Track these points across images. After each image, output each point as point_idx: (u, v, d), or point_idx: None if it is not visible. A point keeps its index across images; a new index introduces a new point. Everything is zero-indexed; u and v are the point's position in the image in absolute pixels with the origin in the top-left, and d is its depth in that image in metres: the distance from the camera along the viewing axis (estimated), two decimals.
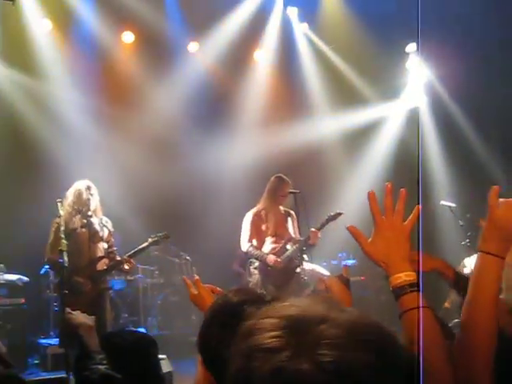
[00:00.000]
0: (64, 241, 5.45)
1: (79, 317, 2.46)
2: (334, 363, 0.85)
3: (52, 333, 7.52)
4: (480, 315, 1.59)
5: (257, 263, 6.79)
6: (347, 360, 0.86)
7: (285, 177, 6.77)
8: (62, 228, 5.56)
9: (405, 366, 0.96)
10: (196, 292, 2.50)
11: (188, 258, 9.14)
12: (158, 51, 9.29)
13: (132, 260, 6.14)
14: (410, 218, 1.67)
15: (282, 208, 6.86)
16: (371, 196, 1.68)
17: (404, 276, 1.61)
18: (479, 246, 1.67)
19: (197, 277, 2.60)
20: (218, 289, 2.55)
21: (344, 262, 9.70)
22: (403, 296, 1.60)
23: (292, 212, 6.63)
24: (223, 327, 1.73)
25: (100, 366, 2.03)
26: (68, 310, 2.46)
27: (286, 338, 0.88)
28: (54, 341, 7.15)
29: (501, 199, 1.69)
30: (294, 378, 0.84)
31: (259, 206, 6.86)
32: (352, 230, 1.68)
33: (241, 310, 1.68)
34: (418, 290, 1.60)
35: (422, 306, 1.57)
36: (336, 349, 0.87)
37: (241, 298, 1.78)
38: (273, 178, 6.84)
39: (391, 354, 0.92)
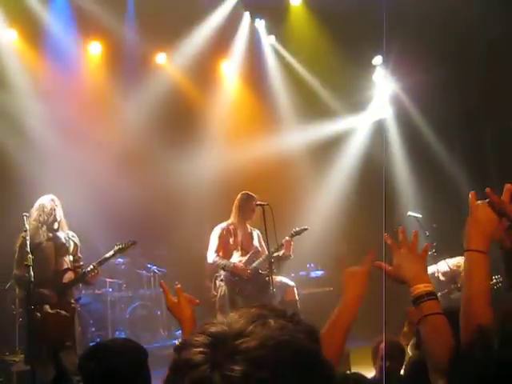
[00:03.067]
0: (30, 255, 5.37)
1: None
2: (243, 377, 0.94)
3: (18, 349, 7.35)
4: (478, 306, 1.82)
5: (222, 276, 6.78)
6: (255, 374, 0.94)
7: (251, 193, 6.82)
8: (28, 242, 5.48)
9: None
10: (175, 300, 2.43)
11: (156, 270, 9.06)
12: (126, 62, 9.23)
13: (98, 269, 6.07)
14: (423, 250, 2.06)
15: (248, 226, 6.91)
16: (387, 238, 2.07)
17: (423, 287, 1.90)
18: (467, 245, 1.92)
19: (179, 285, 2.50)
20: (197, 301, 2.49)
21: (313, 273, 9.75)
22: (422, 303, 1.88)
23: (258, 231, 6.76)
24: None
25: None
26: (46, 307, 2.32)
27: (208, 353, 0.98)
28: (20, 358, 6.99)
29: (479, 201, 1.96)
30: None
31: (228, 222, 6.90)
32: (377, 265, 2.07)
33: None
34: (436, 299, 1.90)
35: (438, 313, 1.86)
36: (247, 363, 0.95)
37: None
38: (240, 195, 6.89)
39: (306, 370, 0.99)
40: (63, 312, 2.14)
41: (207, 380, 0.95)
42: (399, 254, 2.01)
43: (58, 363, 2.07)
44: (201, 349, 0.99)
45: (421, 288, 1.90)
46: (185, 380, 0.98)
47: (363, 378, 2.70)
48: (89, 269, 6.04)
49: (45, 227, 6.03)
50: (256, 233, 6.92)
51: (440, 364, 1.76)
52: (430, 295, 1.89)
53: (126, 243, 6.28)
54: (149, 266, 9.02)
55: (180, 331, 2.54)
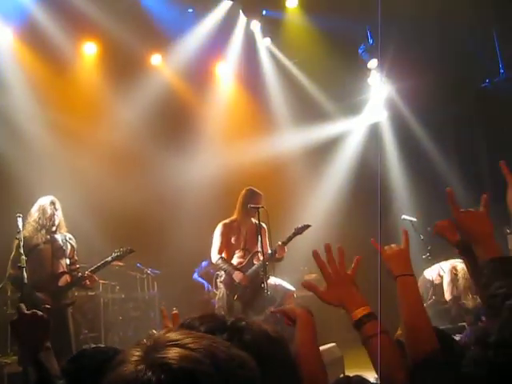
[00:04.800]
0: (23, 257, 5.34)
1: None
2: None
3: (10, 351, 7.31)
4: (420, 327, 1.93)
5: (223, 277, 6.76)
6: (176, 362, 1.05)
7: (256, 189, 6.77)
8: (22, 243, 5.44)
9: None
10: (171, 326, 2.44)
11: (149, 272, 9.04)
12: (121, 63, 9.21)
13: (94, 276, 6.06)
14: (352, 267, 2.07)
15: (254, 220, 6.84)
16: (315, 254, 2.06)
17: (361, 310, 1.94)
18: (393, 273, 2.05)
19: (175, 311, 2.52)
20: None
21: (306, 276, 9.73)
22: (363, 326, 1.91)
23: (264, 225, 6.60)
24: None
25: None
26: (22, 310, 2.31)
27: (140, 355, 1.08)
28: (11, 359, 6.96)
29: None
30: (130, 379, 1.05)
31: (232, 218, 6.84)
32: (306, 285, 2.06)
33: None
34: (376, 318, 1.92)
35: (381, 332, 1.89)
36: (160, 370, 1.04)
37: (208, 326, 1.73)
38: (244, 191, 6.83)
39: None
40: (39, 312, 2.13)
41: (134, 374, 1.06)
42: (328, 277, 2.02)
43: (38, 365, 2.04)
44: (137, 352, 1.10)
45: (360, 312, 1.93)
46: (116, 373, 1.10)
47: (365, 381, 2.67)
48: (85, 274, 6.01)
49: (44, 230, 5.99)
50: (262, 228, 6.69)
51: (393, 381, 1.83)
52: (369, 316, 1.92)
53: (123, 250, 6.25)
54: (143, 267, 8.99)
55: None
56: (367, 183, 8.72)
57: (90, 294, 8.25)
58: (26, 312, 2.19)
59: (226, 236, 6.80)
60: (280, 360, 1.61)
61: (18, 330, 2.20)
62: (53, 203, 6.06)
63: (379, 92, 10.25)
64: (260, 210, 6.41)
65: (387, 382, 1.84)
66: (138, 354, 1.09)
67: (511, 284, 1.76)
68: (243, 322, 1.87)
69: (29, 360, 2.10)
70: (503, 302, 1.66)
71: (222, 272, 6.80)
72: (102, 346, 2.68)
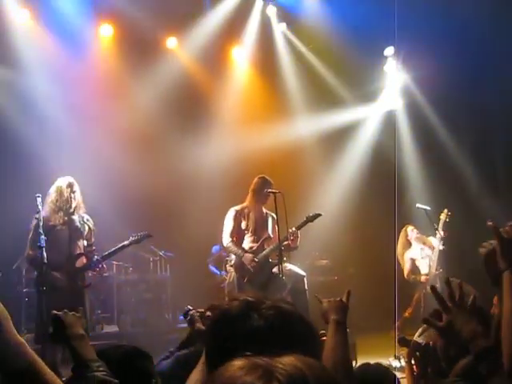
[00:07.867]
0: (43, 236, 5.39)
1: (68, 317, 2.37)
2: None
3: (24, 329, 7.42)
4: None
5: (233, 261, 6.81)
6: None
7: (268, 177, 6.81)
8: (41, 224, 5.50)
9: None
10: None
11: (162, 254, 9.10)
12: (137, 45, 9.21)
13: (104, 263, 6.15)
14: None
15: (264, 209, 6.90)
16: (432, 289, 2.04)
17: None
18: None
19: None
20: None
21: (317, 262, 9.76)
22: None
23: (274, 215, 6.64)
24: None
25: (97, 373, 2.00)
26: (54, 312, 2.40)
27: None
28: (26, 337, 7.05)
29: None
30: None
31: (243, 204, 6.90)
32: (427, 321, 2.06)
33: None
34: None
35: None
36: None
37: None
38: (256, 179, 6.88)
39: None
40: (69, 313, 2.26)
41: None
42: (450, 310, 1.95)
43: (72, 352, 2.14)
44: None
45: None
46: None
47: (385, 370, 2.62)
48: (100, 257, 6.08)
49: (61, 212, 6.02)
50: (271, 217, 6.86)
51: None
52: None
53: (141, 235, 6.31)
54: (156, 250, 9.04)
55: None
56: (381, 171, 8.70)
57: (104, 275, 8.34)
58: (58, 313, 2.27)
59: (236, 221, 6.86)
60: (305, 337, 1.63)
61: (55, 329, 2.28)
62: (70, 185, 6.07)
63: (395, 80, 10.18)
64: (277, 195, 6.43)
65: None
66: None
67: None
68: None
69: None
70: None
71: (233, 256, 6.86)
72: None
